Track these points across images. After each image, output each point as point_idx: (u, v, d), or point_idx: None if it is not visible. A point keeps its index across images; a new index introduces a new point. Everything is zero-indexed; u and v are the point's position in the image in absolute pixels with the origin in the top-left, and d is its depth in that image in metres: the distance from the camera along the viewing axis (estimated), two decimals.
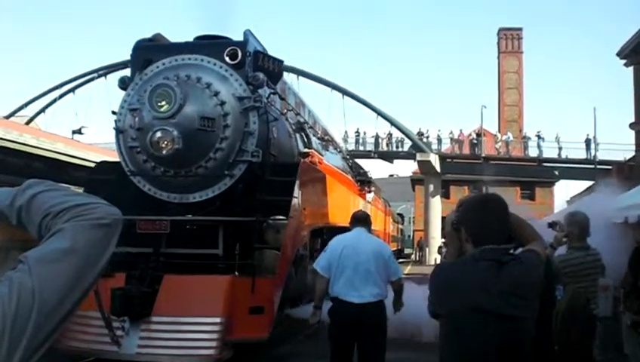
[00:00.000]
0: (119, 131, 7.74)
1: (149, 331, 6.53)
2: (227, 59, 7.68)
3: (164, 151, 7.05)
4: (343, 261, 5.21)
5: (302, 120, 10.69)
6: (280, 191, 7.60)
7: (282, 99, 9.52)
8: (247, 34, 8.02)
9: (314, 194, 9.07)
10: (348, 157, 16.32)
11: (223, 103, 7.40)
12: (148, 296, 6.60)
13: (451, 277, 2.51)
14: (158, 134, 7.01)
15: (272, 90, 8.72)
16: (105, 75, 42.37)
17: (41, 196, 1.18)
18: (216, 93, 7.40)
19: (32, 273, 1.05)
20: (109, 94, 49.09)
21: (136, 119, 7.34)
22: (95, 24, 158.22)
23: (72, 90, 42.02)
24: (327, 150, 12.27)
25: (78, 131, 37.85)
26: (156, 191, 7.64)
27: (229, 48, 7.72)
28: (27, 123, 38.50)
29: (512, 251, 2.50)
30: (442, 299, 2.49)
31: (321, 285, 5.46)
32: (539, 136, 41.23)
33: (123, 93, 8.04)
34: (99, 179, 8.11)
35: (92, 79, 42.14)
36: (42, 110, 41.83)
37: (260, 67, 8.00)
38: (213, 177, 7.50)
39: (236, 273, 6.90)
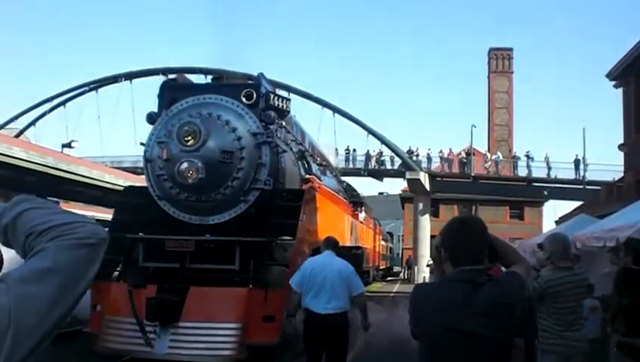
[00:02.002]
0: (147, 160, 9.13)
1: (178, 334, 7.89)
2: (243, 99, 9.14)
3: (189, 180, 8.45)
4: (311, 279, 6.43)
5: (303, 148, 12.13)
6: (287, 214, 9.01)
7: (288, 132, 10.95)
8: (260, 77, 9.49)
9: (315, 217, 10.48)
10: (342, 179, 17.79)
11: (239, 138, 8.84)
12: (177, 304, 7.97)
13: (428, 298, 2.64)
14: (185, 165, 8.41)
15: (280, 125, 10.14)
16: (96, 88, 43.77)
17: (26, 214, 1.21)
18: (234, 130, 8.85)
19: (10, 293, 1.07)
20: (99, 108, 50.39)
21: (164, 151, 8.75)
22: (87, 37, 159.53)
23: (63, 103, 43.21)
24: (325, 174, 13.74)
25: (68, 145, 39.00)
26: (179, 213, 9.03)
27: (245, 90, 9.18)
28: (17, 136, 39.58)
29: (489, 272, 2.61)
30: (419, 319, 2.59)
31: (294, 298, 6.80)
32: (528, 156, 42.41)
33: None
34: (129, 201, 9.48)
35: (83, 93, 43.40)
36: (32, 123, 42.92)
37: (270, 106, 9.44)
38: (230, 202, 8.90)
39: (251, 286, 8.29)
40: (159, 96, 9.61)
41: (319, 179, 12.28)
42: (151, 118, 9.48)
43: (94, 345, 8.22)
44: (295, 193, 9.54)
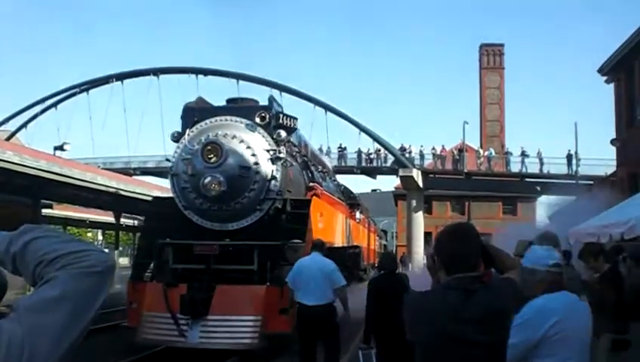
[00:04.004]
0: (173, 175, 10.75)
1: (207, 326, 9.53)
2: (257, 120, 10.76)
3: (212, 192, 10.07)
4: (301, 276, 8.01)
5: (306, 158, 13.78)
6: (297, 221, 10.66)
7: (293, 145, 12.59)
8: (272, 100, 11.14)
9: (319, 222, 12.13)
10: (340, 183, 19.51)
11: (254, 155, 10.48)
12: (205, 300, 9.60)
13: (422, 306, 2.75)
14: (209, 179, 10.02)
15: (288, 139, 11.77)
16: (87, 90, 45.17)
17: (35, 243, 1.27)
18: (250, 147, 10.47)
19: (23, 322, 1.14)
20: (90, 109, 51.68)
21: (189, 167, 10.37)
22: (77, 39, 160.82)
23: (54, 105, 44.52)
24: (325, 180, 15.43)
25: (60, 147, 40.36)
26: (202, 221, 10.66)
27: (259, 112, 10.81)
28: (8, 138, 40.85)
29: (482, 278, 2.67)
30: (414, 326, 2.70)
31: (289, 293, 8.43)
32: (523, 154, 43.65)
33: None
34: (157, 211, 11.12)
35: (74, 94, 44.76)
36: (24, 125, 44.22)
37: (280, 125, 11.07)
38: (247, 210, 10.53)
39: (268, 283, 9.92)
40: (182, 117, 11.22)
41: (321, 185, 13.92)
42: (175, 137, 11.08)
43: (134, 337, 9.84)
44: (303, 202, 11.19)
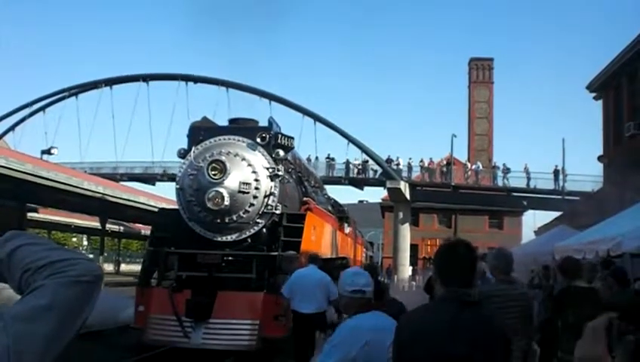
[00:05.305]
0: (180, 189, 11.92)
1: (209, 329, 10.69)
2: (258, 140, 11.97)
3: (216, 206, 11.23)
4: (297, 286, 9.39)
5: (300, 174, 15.01)
6: (292, 234, 11.85)
7: (290, 162, 13.80)
8: (272, 121, 12.35)
9: (313, 235, 13.34)
10: (330, 196, 20.78)
11: (255, 172, 11.67)
12: (208, 305, 10.76)
13: (414, 322, 2.85)
14: (213, 193, 11.19)
15: (285, 158, 12.98)
16: (76, 94, 46.13)
17: (21, 250, 1.29)
18: (250, 165, 11.66)
19: (9, 331, 1.14)
20: (79, 114, 52.49)
21: (194, 182, 11.54)
22: (67, 42, 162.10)
23: (42, 108, 45.39)
24: (317, 194, 16.67)
25: (48, 151, 41.24)
26: (205, 232, 11.83)
27: (260, 132, 12.02)
28: None
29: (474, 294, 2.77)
30: (407, 349, 2.72)
31: (285, 302, 9.77)
32: (505, 168, 45.07)
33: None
34: (163, 222, 12.29)
35: (63, 98, 45.67)
36: (11, 128, 44.98)
37: (278, 144, 12.28)
38: (247, 223, 11.72)
39: (265, 291, 11.10)
40: (188, 136, 12.42)
41: (313, 199, 15.13)
42: (180, 153, 12.26)
43: (140, 337, 10.97)
44: (298, 216, 12.39)
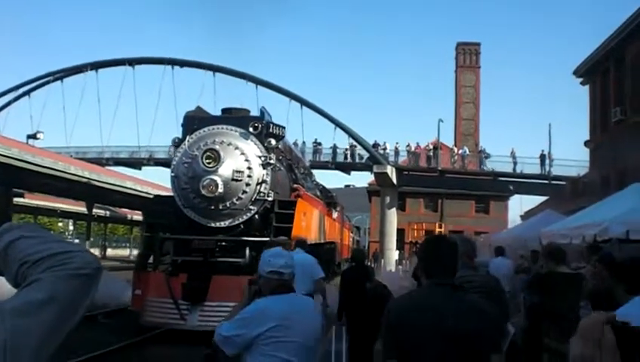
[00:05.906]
0: (175, 176, 12.43)
1: (204, 311, 11.26)
2: (251, 129, 12.49)
3: (210, 193, 11.76)
4: None
5: (291, 162, 15.56)
6: (283, 220, 12.42)
7: (280, 151, 14.34)
8: (263, 111, 12.87)
9: (303, 221, 13.91)
10: (319, 182, 21.38)
11: (247, 160, 12.20)
12: (203, 288, 11.32)
13: (408, 307, 2.92)
14: (207, 181, 11.72)
15: (276, 146, 13.52)
16: (61, 78, 46.14)
17: (18, 243, 1.27)
18: (243, 153, 12.19)
19: (6, 325, 1.12)
20: (64, 98, 52.43)
21: (189, 170, 12.06)
22: (51, 27, 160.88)
23: (28, 92, 45.40)
24: (306, 181, 17.24)
25: (34, 136, 41.40)
26: (199, 218, 12.37)
27: (252, 122, 12.54)
28: None
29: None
30: (398, 330, 2.78)
31: None
32: (487, 155, 45.39)
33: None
34: (158, 209, 12.82)
35: (48, 82, 45.69)
36: None
37: (270, 133, 12.81)
38: (240, 210, 12.27)
39: (255, 274, 11.66)
40: (183, 125, 12.93)
41: (303, 186, 15.70)
42: (175, 143, 12.76)
43: (138, 319, 11.53)
44: (289, 203, 12.96)
